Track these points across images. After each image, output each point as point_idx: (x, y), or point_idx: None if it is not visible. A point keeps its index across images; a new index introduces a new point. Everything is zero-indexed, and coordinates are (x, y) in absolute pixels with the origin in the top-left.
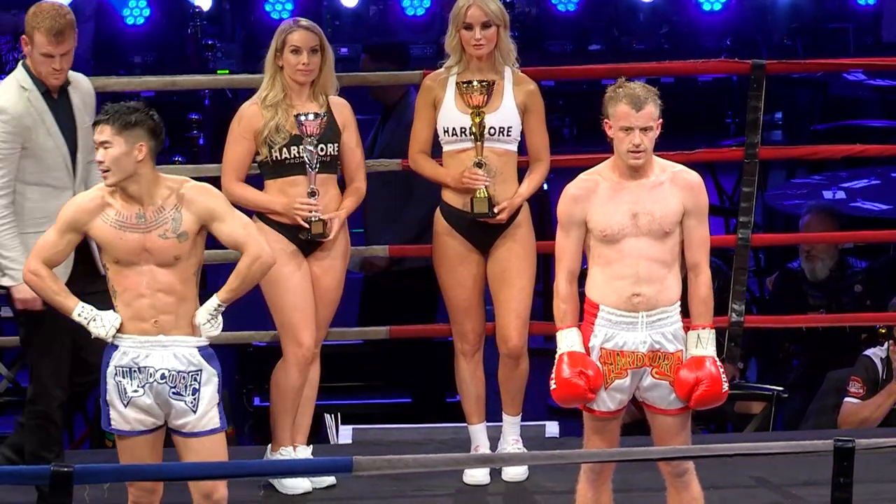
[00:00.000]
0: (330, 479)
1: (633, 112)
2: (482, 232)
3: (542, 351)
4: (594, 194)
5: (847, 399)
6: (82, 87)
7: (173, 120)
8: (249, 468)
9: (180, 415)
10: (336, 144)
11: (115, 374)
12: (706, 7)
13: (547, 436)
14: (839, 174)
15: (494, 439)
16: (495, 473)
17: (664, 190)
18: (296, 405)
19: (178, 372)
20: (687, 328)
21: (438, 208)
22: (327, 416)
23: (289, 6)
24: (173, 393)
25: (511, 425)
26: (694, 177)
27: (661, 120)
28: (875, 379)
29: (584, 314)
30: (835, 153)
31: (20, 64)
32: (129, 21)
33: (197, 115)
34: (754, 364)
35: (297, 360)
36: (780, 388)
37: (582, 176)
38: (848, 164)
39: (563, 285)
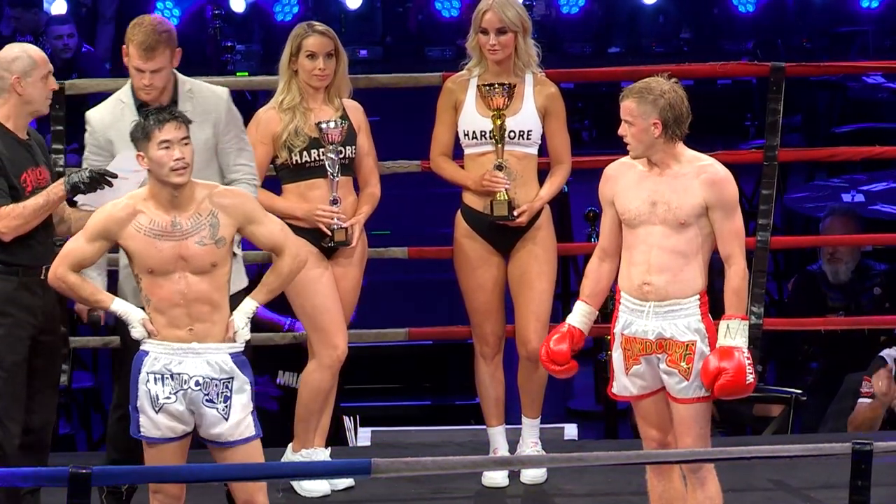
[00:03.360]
0: (348, 482)
1: (621, 102)
2: (503, 234)
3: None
4: (623, 177)
5: (860, 400)
6: (202, 99)
7: None
8: (267, 470)
9: (212, 424)
10: (353, 147)
11: (147, 380)
12: (742, 9)
13: (566, 438)
14: (858, 177)
15: (513, 442)
16: (514, 476)
17: (685, 182)
18: (324, 407)
19: (212, 379)
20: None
21: (459, 210)
22: (346, 419)
23: (295, 9)
24: (206, 400)
25: (530, 428)
26: (718, 171)
27: (654, 120)
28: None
29: (615, 301)
30: (854, 155)
31: None
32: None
33: None
34: (773, 366)
35: (331, 362)
36: (799, 391)
37: (621, 159)
38: (867, 166)
39: (591, 261)
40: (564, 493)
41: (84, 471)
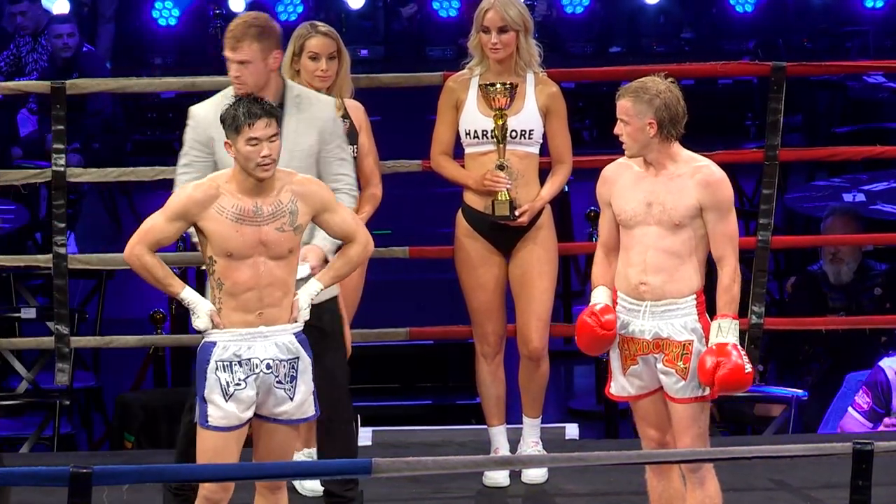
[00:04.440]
0: None
1: (617, 102)
2: (504, 234)
3: (562, 353)
4: (620, 178)
5: (849, 410)
6: (308, 106)
7: None
8: (269, 470)
9: (278, 403)
10: (355, 146)
11: (217, 368)
12: (739, 9)
13: (567, 438)
14: (859, 177)
15: (514, 441)
16: (515, 476)
17: (681, 183)
18: None
19: (281, 360)
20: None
21: (460, 210)
22: None
23: (300, 8)
24: (277, 382)
25: (531, 427)
26: (713, 173)
27: (649, 120)
28: (885, 401)
29: (613, 301)
30: (854, 155)
31: None
32: (162, 22)
33: None
34: (773, 366)
35: None
36: (799, 391)
37: (618, 160)
38: (868, 166)
39: (596, 254)
40: (565, 492)
41: (84, 471)
